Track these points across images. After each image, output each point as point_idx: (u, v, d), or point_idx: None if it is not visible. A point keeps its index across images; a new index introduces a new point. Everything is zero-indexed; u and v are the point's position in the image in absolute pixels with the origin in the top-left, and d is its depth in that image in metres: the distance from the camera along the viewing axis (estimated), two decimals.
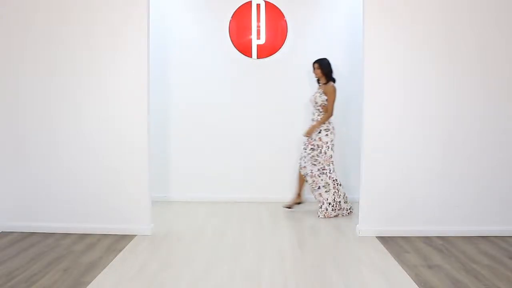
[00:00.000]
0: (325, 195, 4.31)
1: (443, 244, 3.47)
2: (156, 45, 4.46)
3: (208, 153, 4.94)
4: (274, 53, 4.87)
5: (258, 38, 4.87)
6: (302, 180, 4.48)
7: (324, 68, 4.33)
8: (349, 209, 4.40)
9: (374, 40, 3.59)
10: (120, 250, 3.31)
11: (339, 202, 4.33)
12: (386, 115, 3.62)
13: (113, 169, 3.70)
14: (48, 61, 3.66)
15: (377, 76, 3.62)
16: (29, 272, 2.86)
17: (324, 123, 4.30)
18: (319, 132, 4.32)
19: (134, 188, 3.69)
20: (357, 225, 3.74)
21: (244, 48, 4.88)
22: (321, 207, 4.32)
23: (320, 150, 4.31)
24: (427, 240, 3.57)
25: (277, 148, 4.93)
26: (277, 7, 4.85)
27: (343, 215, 4.34)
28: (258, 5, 4.85)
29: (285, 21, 4.86)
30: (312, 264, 3.10)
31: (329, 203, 4.29)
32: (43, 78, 3.67)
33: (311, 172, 4.35)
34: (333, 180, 4.31)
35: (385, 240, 3.56)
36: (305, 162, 4.38)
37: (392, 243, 3.49)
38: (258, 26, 4.86)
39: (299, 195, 4.55)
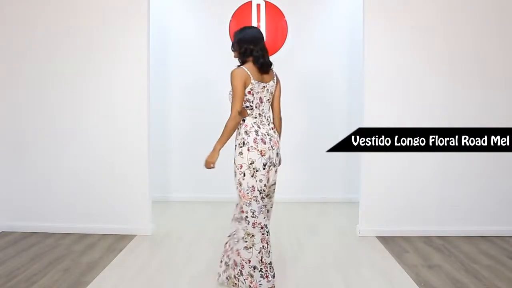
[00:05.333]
0: (244, 254, 2.52)
1: (443, 244, 3.47)
2: (156, 45, 4.45)
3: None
4: (274, 53, 4.86)
5: None
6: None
7: (231, 44, 2.68)
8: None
9: (374, 40, 3.60)
10: (120, 250, 3.31)
11: (240, 271, 2.55)
12: (386, 115, 3.62)
13: (113, 169, 3.70)
14: (48, 61, 3.66)
15: (377, 76, 3.62)
16: (29, 272, 2.86)
17: (232, 134, 2.62)
18: (234, 150, 2.65)
19: (134, 188, 3.70)
20: (357, 225, 3.74)
21: None
22: (235, 277, 2.58)
23: (236, 179, 2.61)
24: (427, 240, 3.57)
25: None
26: (277, 7, 4.85)
27: None
28: (258, 5, 4.85)
29: (285, 21, 4.86)
30: (312, 264, 3.10)
31: (254, 267, 2.51)
32: (43, 78, 3.68)
33: (236, 216, 2.66)
34: (261, 228, 2.52)
35: (385, 240, 3.56)
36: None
37: (392, 243, 3.49)
38: (258, 26, 4.86)
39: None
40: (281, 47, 4.87)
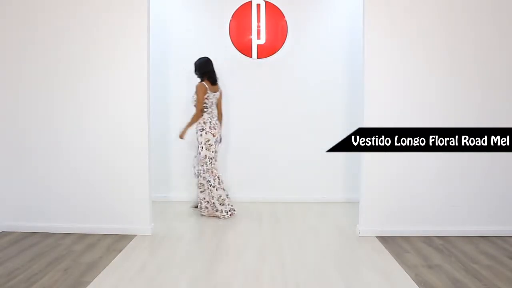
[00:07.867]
0: (201, 195, 4.31)
1: (443, 244, 3.47)
2: (156, 45, 4.46)
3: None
4: (274, 53, 4.86)
5: (258, 38, 4.87)
6: None
7: (194, 69, 4.34)
8: (229, 211, 4.27)
9: (374, 40, 3.59)
10: (120, 250, 3.31)
11: (213, 203, 4.24)
12: (386, 115, 3.62)
13: (113, 169, 3.70)
14: (48, 61, 3.66)
15: (377, 76, 3.62)
16: (29, 272, 2.86)
17: (195, 123, 4.25)
18: (196, 133, 4.28)
19: (134, 188, 3.69)
20: (357, 225, 3.74)
21: (244, 48, 4.88)
22: (200, 206, 4.33)
23: (198, 150, 4.26)
24: (427, 240, 3.57)
25: (276, 147, 4.93)
26: (277, 7, 4.85)
27: (219, 218, 4.24)
28: (258, 5, 4.85)
29: (285, 21, 4.86)
30: (312, 264, 3.10)
31: (207, 202, 4.28)
32: (44, 78, 3.67)
33: (198, 172, 4.32)
34: (207, 181, 4.22)
35: (385, 240, 3.56)
36: (196, 162, 4.37)
37: (392, 243, 3.49)
38: (258, 26, 4.86)
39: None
40: (281, 47, 4.87)
